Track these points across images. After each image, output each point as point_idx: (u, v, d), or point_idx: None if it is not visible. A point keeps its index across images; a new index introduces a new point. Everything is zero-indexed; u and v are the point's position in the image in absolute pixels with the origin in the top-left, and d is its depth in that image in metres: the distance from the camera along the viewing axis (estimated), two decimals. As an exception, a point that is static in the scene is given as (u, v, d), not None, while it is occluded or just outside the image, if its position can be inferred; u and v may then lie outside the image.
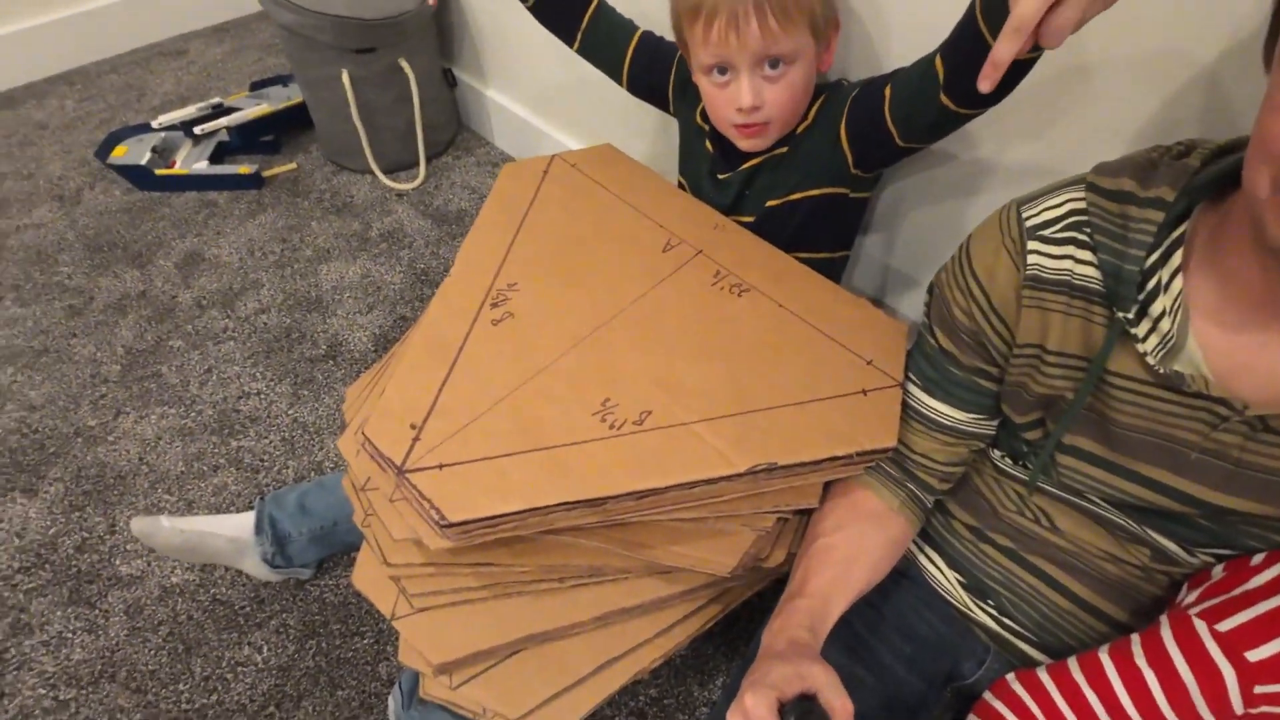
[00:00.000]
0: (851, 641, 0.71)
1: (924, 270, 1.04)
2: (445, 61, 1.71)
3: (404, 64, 1.52)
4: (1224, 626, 0.54)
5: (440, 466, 0.71)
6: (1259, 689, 0.53)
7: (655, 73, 0.97)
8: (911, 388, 0.71)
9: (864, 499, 0.70)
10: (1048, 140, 0.81)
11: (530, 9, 0.95)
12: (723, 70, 0.79)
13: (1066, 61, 0.75)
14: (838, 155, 0.83)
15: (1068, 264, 0.57)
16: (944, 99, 0.68)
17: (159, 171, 1.61)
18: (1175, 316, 0.54)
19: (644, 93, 1.00)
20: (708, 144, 0.94)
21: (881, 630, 0.72)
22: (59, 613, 0.97)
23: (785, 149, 0.86)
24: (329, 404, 1.22)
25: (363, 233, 1.53)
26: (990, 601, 0.69)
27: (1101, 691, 0.58)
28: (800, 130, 0.85)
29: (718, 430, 0.71)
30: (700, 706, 0.91)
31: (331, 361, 1.28)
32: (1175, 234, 0.54)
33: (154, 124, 1.68)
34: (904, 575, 0.74)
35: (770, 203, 0.89)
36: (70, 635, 0.95)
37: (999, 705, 0.61)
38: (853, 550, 0.67)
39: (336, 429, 1.18)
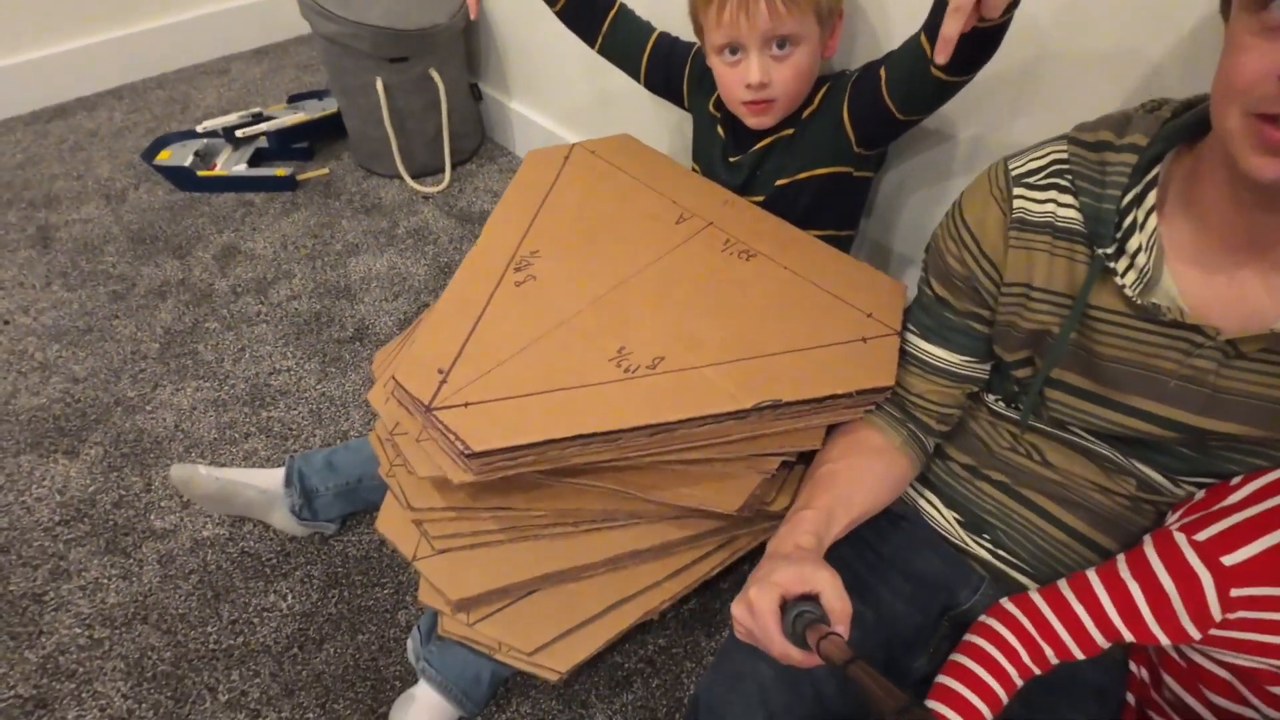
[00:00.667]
0: (853, 582, 0.73)
1: (923, 251, 1.09)
2: (472, 76, 1.81)
3: (434, 74, 1.61)
4: (1201, 536, 0.58)
5: (466, 405, 0.76)
6: (1235, 592, 0.56)
7: (671, 69, 1.04)
8: (910, 335, 0.75)
9: (867, 435, 0.74)
10: (1039, 118, 0.87)
11: (556, 12, 1.02)
12: (734, 50, 0.86)
13: (1058, 45, 0.81)
14: (841, 136, 0.89)
15: (1050, 207, 0.62)
16: (934, 71, 0.74)
17: (200, 173, 1.70)
18: (1151, 252, 0.58)
19: (660, 88, 1.07)
20: (720, 129, 1.00)
21: (882, 570, 0.75)
22: (96, 561, 1.02)
23: (792, 131, 0.92)
24: (355, 380, 1.27)
25: (390, 230, 1.60)
26: (986, 535, 0.73)
27: (1089, 605, 0.61)
28: (806, 115, 0.91)
29: (725, 373, 0.76)
30: (707, 656, 0.94)
31: (359, 343, 1.34)
32: (1149, 176, 0.59)
33: (198, 129, 1.78)
34: (903, 518, 0.78)
35: (780, 182, 0.95)
36: (106, 581, 1.00)
37: (992, 622, 0.64)
38: (856, 475, 0.71)
39: (362, 403, 1.23)
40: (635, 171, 1.03)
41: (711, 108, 1.01)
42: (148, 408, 1.23)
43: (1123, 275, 0.59)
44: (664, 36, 1.04)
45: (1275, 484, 0.58)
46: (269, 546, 1.04)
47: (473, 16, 0.94)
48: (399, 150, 1.67)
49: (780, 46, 0.84)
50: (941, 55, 0.58)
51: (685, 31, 0.98)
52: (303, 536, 1.05)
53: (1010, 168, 0.65)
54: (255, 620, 0.96)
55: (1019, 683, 0.62)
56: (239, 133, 1.76)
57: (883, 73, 0.81)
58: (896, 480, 0.73)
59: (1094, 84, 0.79)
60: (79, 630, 0.95)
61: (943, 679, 0.63)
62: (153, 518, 1.07)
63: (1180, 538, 0.59)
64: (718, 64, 0.89)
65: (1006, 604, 0.65)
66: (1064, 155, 0.62)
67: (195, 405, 1.23)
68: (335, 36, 1.52)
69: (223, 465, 1.14)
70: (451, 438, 0.73)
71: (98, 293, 1.45)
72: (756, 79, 0.85)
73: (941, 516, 0.76)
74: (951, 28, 0.55)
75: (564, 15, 1.02)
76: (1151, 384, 0.61)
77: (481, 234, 0.96)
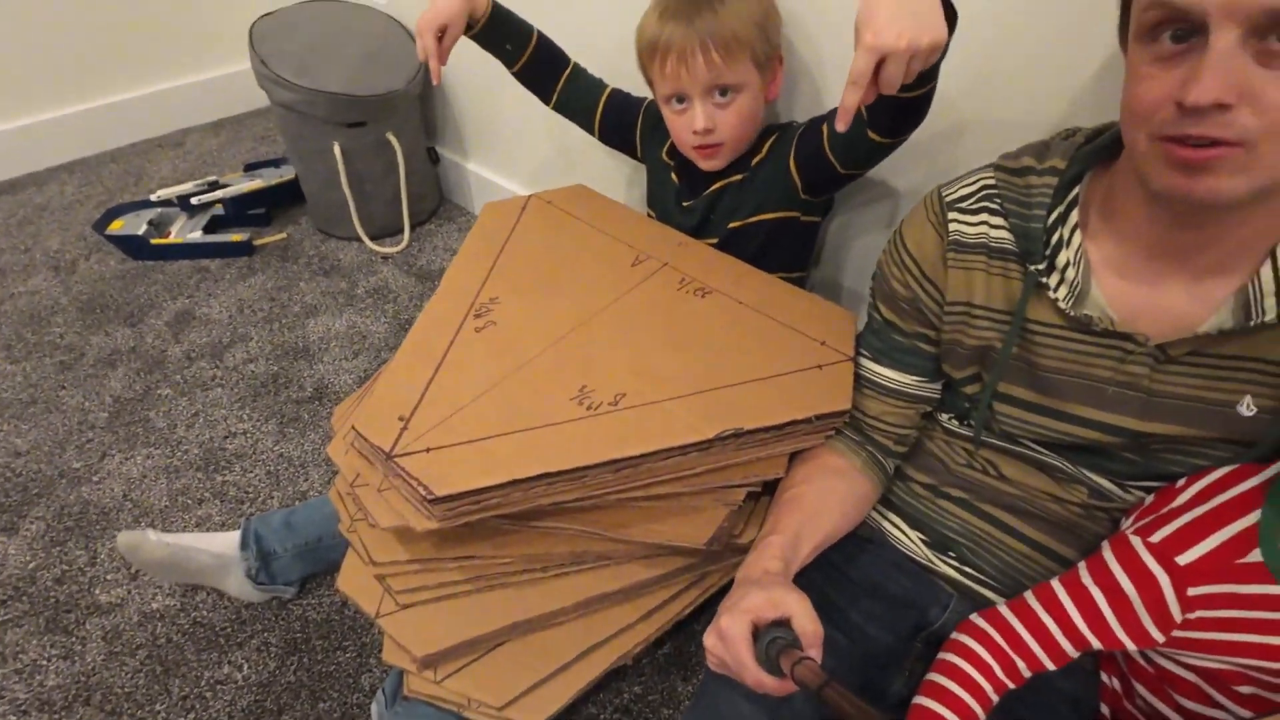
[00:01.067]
0: (823, 605, 0.73)
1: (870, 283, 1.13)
2: (429, 140, 1.85)
3: (391, 138, 1.64)
4: (1155, 538, 0.59)
5: (428, 450, 0.75)
6: (1191, 591, 0.57)
7: (624, 122, 1.08)
8: (862, 359, 0.77)
9: (829, 458, 0.75)
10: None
11: (514, 73, 1.06)
12: (680, 99, 0.90)
13: (979, 113, 0.86)
14: (789, 182, 0.93)
15: (983, 229, 0.66)
16: (870, 134, 0.78)
17: (154, 241, 1.69)
18: (1079, 266, 0.62)
19: (614, 141, 1.11)
20: (673, 176, 1.04)
21: (851, 593, 0.75)
22: (34, 641, 0.96)
23: (742, 176, 0.96)
24: (314, 439, 1.25)
25: (349, 290, 1.60)
26: (951, 553, 0.73)
27: (1056, 615, 0.62)
28: (755, 162, 0.96)
29: (687, 406, 0.77)
30: (684, 700, 0.91)
31: (317, 402, 1.32)
32: (1070, 196, 0.63)
33: (152, 198, 1.78)
34: (869, 541, 0.78)
35: (732, 225, 0.98)
36: (45, 662, 0.94)
37: (964, 638, 0.65)
38: (820, 498, 0.72)
39: (321, 462, 1.21)
40: (591, 219, 1.06)
41: (665, 155, 1.04)
42: (94, 478, 1.18)
43: (1055, 289, 0.62)
44: (616, 92, 1.08)
45: (1218, 483, 0.61)
46: (223, 615, 0.99)
47: (435, 83, 0.97)
48: (357, 212, 1.69)
49: (723, 94, 0.88)
50: (841, 124, 0.60)
51: (636, 86, 1.03)
52: (259, 602, 1.00)
53: (944, 194, 0.69)
54: (208, 694, 0.91)
55: (994, 698, 0.62)
56: (194, 200, 1.76)
57: (825, 129, 0.85)
58: (860, 501, 0.74)
59: (1009, 139, 0.84)
60: (14, 719, 0.89)
61: (920, 699, 0.63)
62: (97, 592, 1.02)
63: (1136, 541, 0.60)
64: (668, 112, 0.93)
65: (977, 619, 0.65)
66: (991, 181, 0.66)
67: (145, 473, 1.19)
68: (293, 104, 1.54)
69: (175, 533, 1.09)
70: (414, 484, 0.72)
71: (44, 364, 1.41)
72: (702, 125, 0.89)
73: (907, 537, 0.76)
74: (850, 99, 0.58)
75: (521, 75, 1.06)
76: (1091, 392, 0.63)
77: (440, 284, 0.97)
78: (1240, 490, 0.59)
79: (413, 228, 1.77)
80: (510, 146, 1.64)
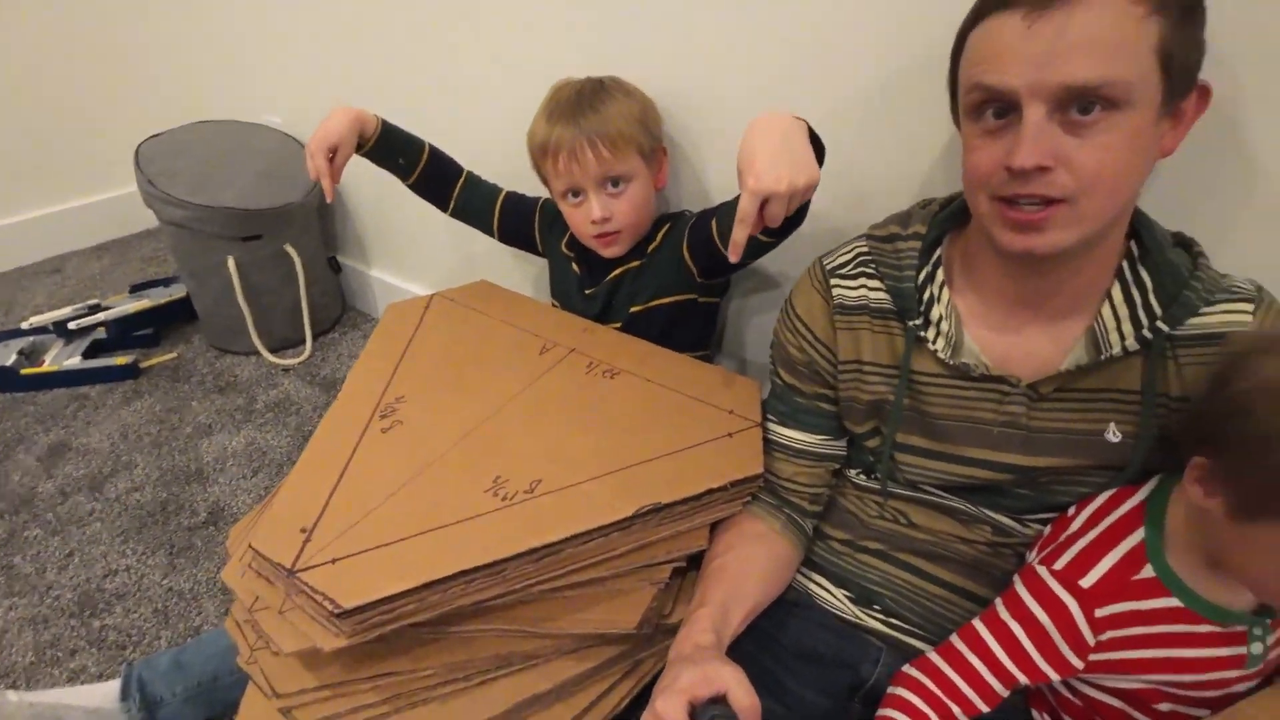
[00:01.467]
0: (758, 676, 0.72)
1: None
2: (330, 250, 1.83)
3: (290, 249, 1.62)
4: (1059, 565, 0.62)
5: (333, 561, 0.71)
6: (1098, 612, 0.60)
7: (522, 221, 1.12)
8: (770, 424, 0.80)
9: (749, 525, 0.76)
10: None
11: (409, 185, 1.08)
12: (576, 193, 0.94)
13: (841, 221, 0.94)
14: (684, 268, 0.97)
15: (863, 291, 0.71)
16: (757, 236, 0.82)
17: (25, 371, 1.57)
18: (951, 319, 0.67)
19: (514, 239, 1.14)
20: (574, 266, 1.07)
21: (785, 660, 0.74)
22: None
23: (639, 262, 1.00)
24: (209, 568, 1.15)
25: (247, 406, 1.53)
26: (877, 606, 0.74)
27: (982, 654, 0.63)
28: (650, 250, 1.00)
29: (604, 485, 0.76)
30: (628, 804, 0.85)
31: (213, 526, 1.22)
32: (934, 257, 0.69)
33: (23, 325, 1.66)
34: (796, 605, 0.78)
35: (634, 309, 1.01)
36: None
37: (899, 690, 0.64)
38: (745, 565, 0.72)
39: (217, 592, 1.11)
40: (495, 312, 1.07)
41: (564, 248, 1.08)
42: (-56, 641, 1.04)
43: (933, 341, 0.67)
44: (511, 194, 1.12)
45: (1102, 507, 0.65)
46: (101, 781, 0.87)
47: (329, 200, 0.98)
48: (255, 326, 1.63)
49: (615, 185, 0.93)
50: (733, 256, 0.68)
51: (530, 188, 1.07)
52: (144, 761, 0.89)
53: (824, 264, 0.74)
54: None
55: None
56: (71, 325, 1.66)
57: (713, 225, 0.90)
58: (784, 564, 0.74)
59: (878, 214, 0.91)
60: None
61: None
62: (-56, 774, 0.88)
63: (1042, 570, 0.63)
64: (565, 207, 0.97)
65: (909, 669, 0.66)
66: (865, 249, 0.72)
67: (7, 628, 1.06)
68: (185, 222, 1.51)
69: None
70: (319, 599, 0.68)
71: (-113, 516, 1.25)
72: (599, 215, 0.93)
73: (832, 596, 0.77)
74: (739, 235, 0.66)
75: (416, 187, 1.08)
76: (978, 433, 0.68)
77: (343, 388, 0.94)
78: (1123, 512, 0.63)
79: (315, 337, 1.73)
80: (412, 251, 1.65)
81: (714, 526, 0.79)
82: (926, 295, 0.68)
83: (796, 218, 0.76)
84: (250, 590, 0.77)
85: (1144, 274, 0.62)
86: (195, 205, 1.49)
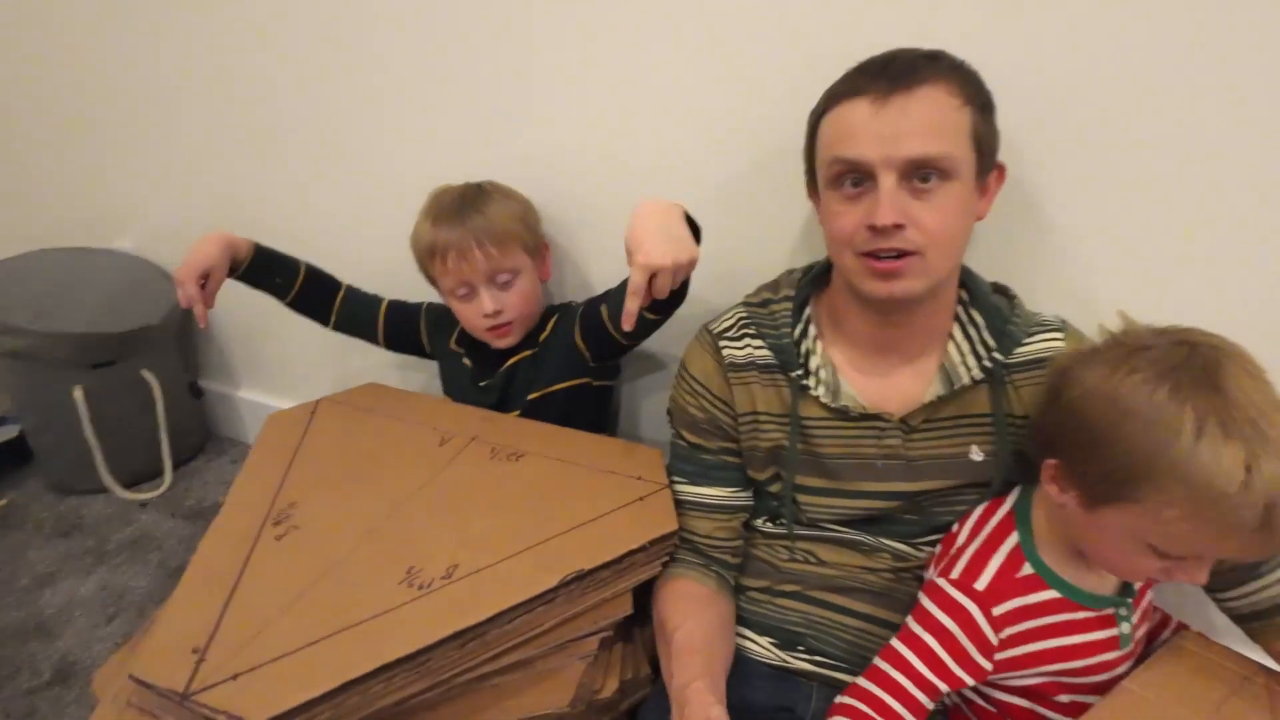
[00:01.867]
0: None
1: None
2: (190, 374, 1.72)
3: (147, 374, 1.51)
4: (954, 574, 0.69)
5: (235, 677, 0.66)
6: (995, 610, 0.66)
7: (407, 326, 1.13)
8: (680, 486, 0.83)
9: (689, 588, 0.78)
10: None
11: (287, 304, 1.07)
12: (465, 290, 0.98)
13: (717, 299, 1.03)
14: (576, 354, 1.01)
15: (748, 350, 0.78)
16: (645, 313, 0.85)
17: None
18: (828, 368, 0.76)
19: (400, 345, 1.14)
20: (465, 361, 1.08)
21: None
22: None
23: (532, 351, 1.04)
24: (57, 736, 0.99)
25: (98, 548, 1.36)
26: (801, 647, 0.77)
27: (903, 669, 0.67)
28: (542, 339, 1.04)
29: (523, 561, 0.76)
30: None
31: (60, 686, 1.05)
32: (804, 316, 0.78)
33: None
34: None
35: (531, 396, 1.04)
36: None
37: (837, 719, 0.66)
38: (706, 630, 0.74)
39: (67, 765, 0.95)
40: (388, 410, 1.05)
41: (454, 345, 1.09)
42: None
43: (815, 388, 0.75)
44: (393, 302, 1.13)
45: (981, 518, 0.73)
46: None
47: (202, 327, 0.95)
48: (105, 460, 1.48)
49: (503, 280, 0.98)
50: (627, 325, 0.74)
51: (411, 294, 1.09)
52: None
53: (711, 329, 0.81)
54: None
55: None
56: None
57: (604, 309, 0.95)
58: (731, 622, 0.77)
59: (749, 287, 1.01)
60: None
61: None
62: None
63: (941, 581, 0.69)
64: (455, 303, 1.00)
65: (841, 698, 0.68)
66: (744, 314, 0.81)
67: None
68: (26, 351, 1.38)
69: None
70: (223, 717, 0.61)
71: None
72: (491, 308, 0.97)
73: (758, 645, 0.79)
74: (631, 306, 0.73)
75: (295, 305, 1.07)
76: (865, 468, 0.75)
77: (225, 502, 0.88)
78: (997, 519, 0.71)
79: (175, 467, 1.59)
80: (286, 369, 1.59)
81: (643, 595, 0.80)
82: (804, 349, 0.77)
83: (680, 294, 0.82)
84: (123, 734, 0.68)
85: (975, 315, 0.74)
86: (37, 333, 1.37)
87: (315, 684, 0.64)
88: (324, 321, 1.10)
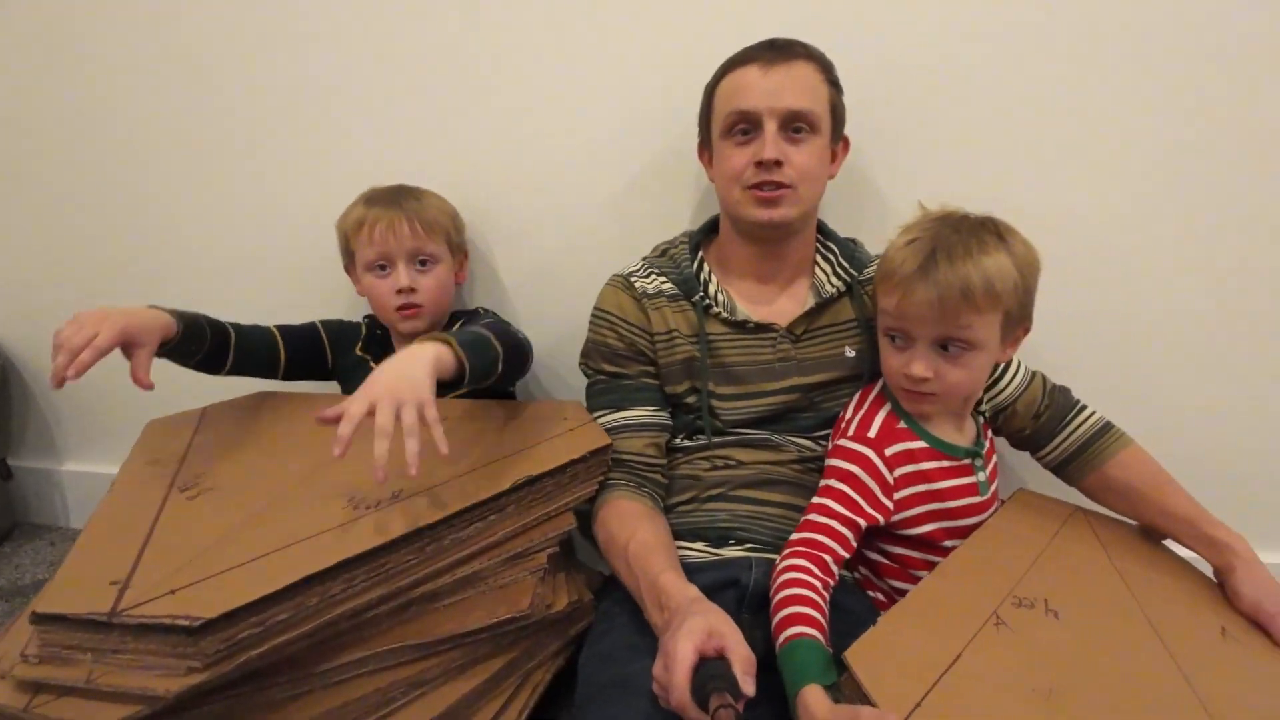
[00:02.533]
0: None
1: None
2: (-3, 453, 1.50)
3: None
4: (851, 433, 0.82)
5: (172, 592, 0.62)
6: (887, 451, 0.79)
7: (308, 345, 1.08)
8: (606, 415, 0.90)
9: (629, 506, 0.84)
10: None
11: (194, 365, 0.96)
12: (383, 266, 1.01)
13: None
14: None
15: (657, 283, 0.91)
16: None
17: None
18: (724, 294, 0.89)
19: (301, 369, 1.08)
20: (372, 365, 1.08)
21: None
22: None
23: None
24: None
25: None
26: (731, 540, 0.84)
27: (825, 513, 0.76)
28: None
29: (470, 478, 0.77)
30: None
31: None
32: (698, 257, 0.92)
33: None
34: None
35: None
36: None
37: (785, 561, 0.73)
38: (656, 535, 0.79)
39: None
40: (292, 402, 1.00)
41: (359, 351, 1.09)
42: None
43: (718, 306, 0.88)
44: (281, 326, 1.07)
45: (859, 399, 0.86)
46: None
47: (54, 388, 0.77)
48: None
49: (422, 264, 1.02)
50: (337, 452, 0.65)
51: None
52: None
53: (620, 274, 0.93)
54: None
55: (826, 595, 0.71)
56: None
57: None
58: (671, 536, 0.82)
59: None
60: None
61: (788, 610, 0.68)
62: None
63: (841, 440, 0.81)
64: (370, 279, 1.02)
65: (782, 556, 0.75)
66: (647, 261, 0.94)
67: None
68: None
69: None
70: (167, 622, 0.57)
71: None
72: (405, 283, 1.00)
73: (692, 550, 0.85)
74: (344, 430, 0.66)
75: (202, 365, 0.98)
76: (766, 371, 0.88)
77: (113, 485, 0.81)
78: (872, 397, 0.86)
79: (-25, 556, 1.34)
80: (130, 426, 1.44)
81: (594, 524, 0.84)
82: (703, 279, 0.90)
83: (509, 371, 0.89)
84: (17, 696, 0.59)
85: (832, 246, 0.93)
86: None
87: (274, 580, 0.61)
88: (218, 370, 1.00)
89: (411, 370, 0.71)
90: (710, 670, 0.59)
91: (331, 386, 1.12)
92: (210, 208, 1.26)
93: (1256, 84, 0.92)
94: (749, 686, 0.59)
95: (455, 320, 1.08)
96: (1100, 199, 0.99)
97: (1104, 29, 0.93)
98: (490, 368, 0.83)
